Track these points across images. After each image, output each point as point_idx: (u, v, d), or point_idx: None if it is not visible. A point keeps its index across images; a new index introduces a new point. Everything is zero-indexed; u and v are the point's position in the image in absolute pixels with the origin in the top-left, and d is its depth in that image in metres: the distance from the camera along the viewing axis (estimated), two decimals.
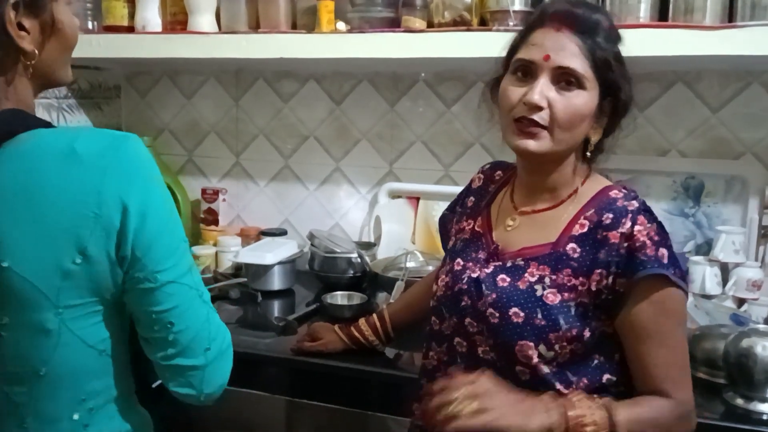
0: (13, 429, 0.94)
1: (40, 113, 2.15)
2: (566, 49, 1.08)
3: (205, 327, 0.98)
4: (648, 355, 1.06)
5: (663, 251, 1.05)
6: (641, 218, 1.07)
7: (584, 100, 1.09)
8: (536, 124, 1.08)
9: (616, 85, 1.12)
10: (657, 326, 1.06)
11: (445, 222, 1.39)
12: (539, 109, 1.08)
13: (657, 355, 1.06)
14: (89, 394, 0.96)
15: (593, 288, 1.07)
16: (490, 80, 1.22)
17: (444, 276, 1.23)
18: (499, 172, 1.32)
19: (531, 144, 1.09)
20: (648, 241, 1.05)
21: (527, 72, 1.11)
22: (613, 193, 1.13)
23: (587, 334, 1.08)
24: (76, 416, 0.95)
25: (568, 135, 1.10)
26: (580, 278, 1.08)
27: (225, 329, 1.03)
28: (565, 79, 1.08)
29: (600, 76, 1.10)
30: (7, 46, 0.91)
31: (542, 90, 1.08)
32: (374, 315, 1.54)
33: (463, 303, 1.15)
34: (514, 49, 1.16)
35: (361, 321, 1.54)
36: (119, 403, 1.00)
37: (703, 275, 1.78)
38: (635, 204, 1.09)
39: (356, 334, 1.52)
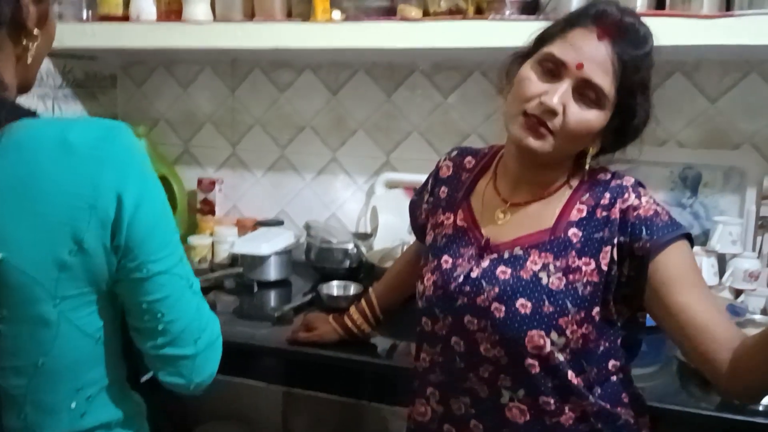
0: (11, 420, 0.94)
1: (35, 103, 2.15)
2: (601, 65, 1.04)
3: (195, 317, 0.98)
4: (695, 302, 1.05)
5: (670, 214, 1.10)
6: (641, 190, 1.11)
7: (597, 118, 1.07)
8: (545, 125, 1.06)
9: (633, 111, 1.10)
10: (693, 277, 1.07)
11: (414, 208, 1.37)
12: (554, 114, 1.05)
13: (700, 299, 1.05)
14: (86, 383, 0.96)
15: (603, 267, 1.07)
16: (515, 54, 1.16)
17: (430, 275, 1.19)
18: (469, 159, 1.28)
19: (534, 143, 1.07)
20: (657, 209, 1.09)
21: (553, 69, 1.07)
22: (602, 176, 1.15)
23: (596, 314, 1.07)
24: (73, 405, 0.96)
25: (570, 145, 1.09)
26: (585, 258, 1.08)
27: (215, 319, 1.03)
28: (587, 93, 1.05)
29: (620, 99, 1.07)
30: (15, 22, 0.91)
31: (562, 96, 1.05)
32: (362, 300, 1.54)
33: (460, 302, 1.13)
34: (548, 37, 1.10)
35: (352, 309, 1.54)
36: (114, 390, 1.00)
37: (700, 266, 1.78)
38: (630, 180, 1.13)
39: (349, 323, 1.52)
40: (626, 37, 1.05)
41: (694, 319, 1.03)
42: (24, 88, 0.99)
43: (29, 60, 0.96)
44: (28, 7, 0.92)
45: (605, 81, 1.04)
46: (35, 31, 0.94)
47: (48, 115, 1.98)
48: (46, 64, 2.13)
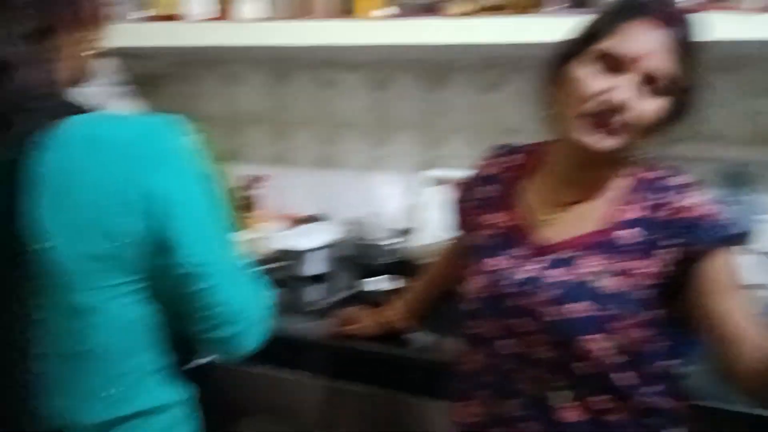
0: (50, 406, 0.97)
1: (89, 101, 2.20)
2: (665, 51, 1.01)
3: (239, 301, 1.00)
4: (730, 311, 1.03)
5: (723, 214, 1.07)
6: (695, 190, 1.08)
7: (662, 106, 1.04)
8: (609, 123, 1.02)
9: (687, 96, 1.07)
10: (732, 285, 1.05)
11: (457, 206, 1.34)
12: (622, 110, 1.01)
13: (734, 309, 1.03)
14: (126, 370, 0.98)
15: (655, 269, 1.05)
16: (554, 58, 1.12)
17: (478, 276, 1.17)
18: (514, 156, 1.26)
19: (601, 142, 1.04)
20: (710, 209, 1.06)
21: (613, 66, 1.03)
22: (655, 174, 1.12)
23: (650, 316, 1.06)
24: (112, 391, 0.97)
25: (636, 139, 1.06)
26: (639, 261, 1.06)
27: (264, 294, 1.04)
28: (653, 83, 1.02)
29: (680, 85, 1.04)
30: (70, 19, 0.94)
31: (629, 90, 1.01)
32: (402, 296, 1.54)
33: (510, 304, 1.11)
34: (594, 35, 1.06)
35: (391, 304, 1.54)
36: (156, 377, 1.02)
37: (746, 264, 1.73)
38: (682, 179, 1.10)
39: (388, 319, 1.53)
40: (678, 21, 1.04)
41: (725, 326, 1.01)
42: (76, 84, 1.02)
43: (82, 56, 0.99)
44: (83, 3, 0.95)
45: (670, 67, 1.02)
46: (89, 28, 0.97)
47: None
48: (100, 62, 2.19)
